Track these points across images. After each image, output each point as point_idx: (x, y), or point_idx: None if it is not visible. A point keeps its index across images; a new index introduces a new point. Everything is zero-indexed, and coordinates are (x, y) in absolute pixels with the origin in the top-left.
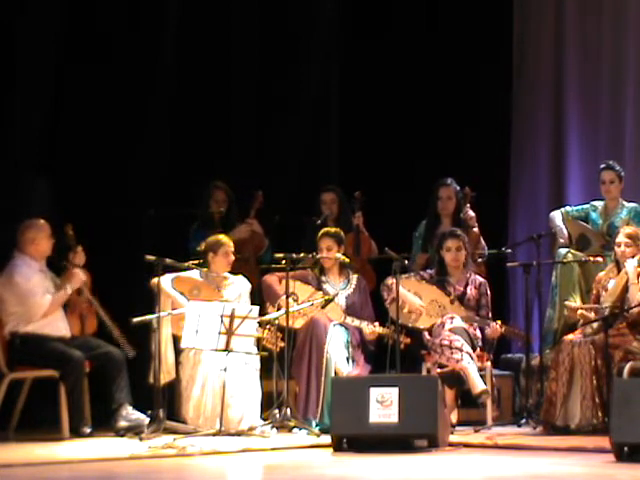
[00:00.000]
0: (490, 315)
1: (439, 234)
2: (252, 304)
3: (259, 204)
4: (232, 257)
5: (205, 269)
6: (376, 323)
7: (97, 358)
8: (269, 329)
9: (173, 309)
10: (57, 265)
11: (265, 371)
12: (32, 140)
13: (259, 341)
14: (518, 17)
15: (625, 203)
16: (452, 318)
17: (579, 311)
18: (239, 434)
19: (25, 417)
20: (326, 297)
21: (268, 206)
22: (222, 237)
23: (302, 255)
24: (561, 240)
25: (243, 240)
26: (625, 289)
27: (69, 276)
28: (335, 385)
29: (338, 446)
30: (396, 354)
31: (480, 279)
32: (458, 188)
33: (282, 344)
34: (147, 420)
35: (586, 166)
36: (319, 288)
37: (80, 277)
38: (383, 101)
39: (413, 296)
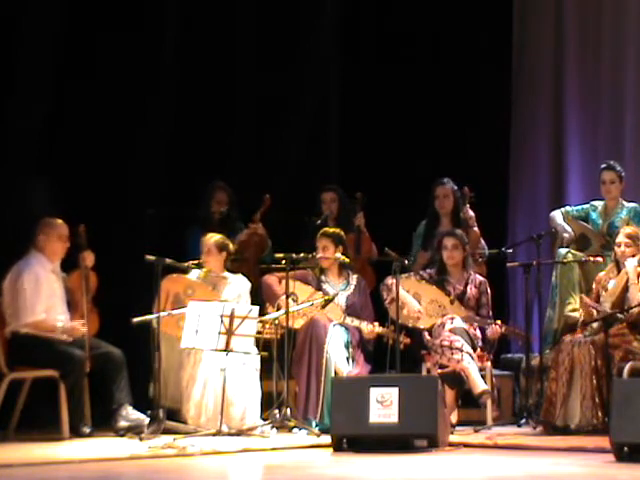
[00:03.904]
0: (491, 314)
1: (438, 233)
2: (252, 304)
3: (266, 208)
4: (213, 255)
5: (205, 269)
6: (376, 323)
7: (97, 358)
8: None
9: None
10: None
11: (265, 371)
12: (32, 140)
13: (259, 340)
14: (518, 17)
15: (625, 203)
16: (452, 319)
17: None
18: (239, 434)
19: (25, 417)
20: (326, 297)
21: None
22: (207, 236)
23: (302, 255)
24: (565, 235)
25: (244, 242)
26: (625, 289)
27: (71, 329)
28: (335, 385)
29: (338, 446)
30: (396, 354)
31: (480, 278)
32: (455, 187)
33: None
34: (147, 420)
35: (586, 166)
36: (319, 288)
37: (80, 332)
38: (383, 101)
39: (412, 299)
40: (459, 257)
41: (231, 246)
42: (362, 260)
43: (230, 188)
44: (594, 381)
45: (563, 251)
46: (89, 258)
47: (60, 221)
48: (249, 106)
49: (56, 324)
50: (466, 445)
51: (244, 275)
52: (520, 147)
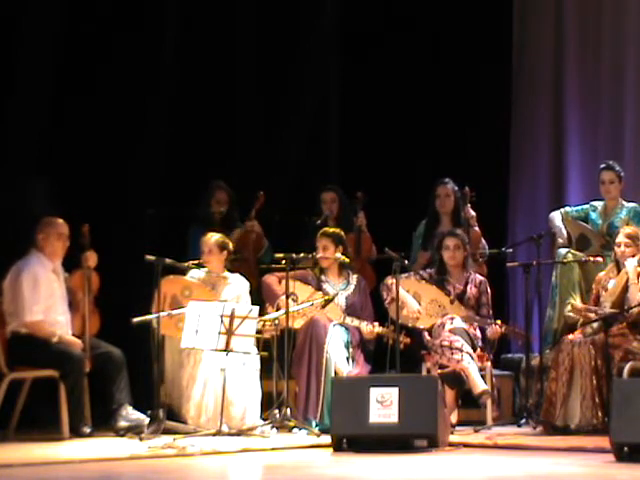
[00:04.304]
0: (491, 314)
1: (439, 233)
2: (252, 304)
3: (260, 204)
4: (215, 255)
5: (205, 269)
6: (375, 323)
7: (97, 358)
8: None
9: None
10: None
11: (265, 371)
12: (32, 140)
13: (259, 340)
14: (518, 17)
15: (625, 203)
16: (452, 319)
17: (583, 312)
18: (239, 434)
19: (25, 417)
20: (326, 297)
21: (268, 206)
22: (207, 236)
23: (302, 255)
24: (560, 240)
25: (241, 240)
26: (625, 289)
27: (71, 341)
28: (335, 385)
29: (338, 446)
30: (396, 354)
31: (480, 277)
32: (456, 187)
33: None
34: (147, 420)
35: (586, 166)
36: (319, 288)
37: (78, 345)
38: (383, 101)
39: (412, 299)
40: (461, 257)
41: (231, 245)
42: (362, 260)
43: (230, 188)
44: (594, 381)
45: (563, 251)
46: (92, 258)
47: (60, 220)
48: (249, 106)
49: (54, 331)
50: (466, 445)
51: (243, 275)
52: (520, 147)
